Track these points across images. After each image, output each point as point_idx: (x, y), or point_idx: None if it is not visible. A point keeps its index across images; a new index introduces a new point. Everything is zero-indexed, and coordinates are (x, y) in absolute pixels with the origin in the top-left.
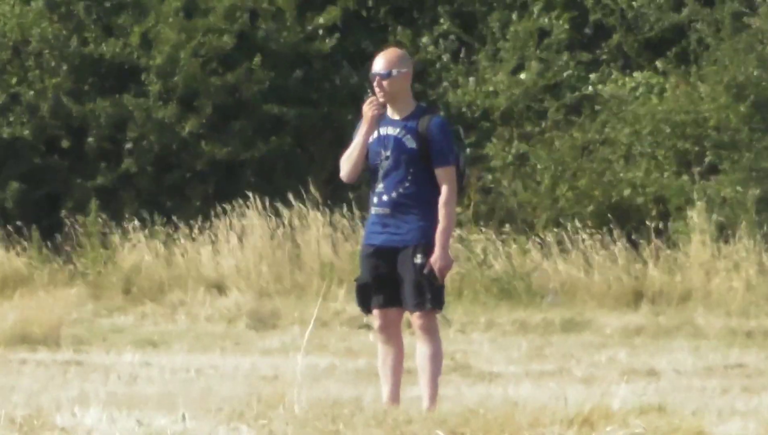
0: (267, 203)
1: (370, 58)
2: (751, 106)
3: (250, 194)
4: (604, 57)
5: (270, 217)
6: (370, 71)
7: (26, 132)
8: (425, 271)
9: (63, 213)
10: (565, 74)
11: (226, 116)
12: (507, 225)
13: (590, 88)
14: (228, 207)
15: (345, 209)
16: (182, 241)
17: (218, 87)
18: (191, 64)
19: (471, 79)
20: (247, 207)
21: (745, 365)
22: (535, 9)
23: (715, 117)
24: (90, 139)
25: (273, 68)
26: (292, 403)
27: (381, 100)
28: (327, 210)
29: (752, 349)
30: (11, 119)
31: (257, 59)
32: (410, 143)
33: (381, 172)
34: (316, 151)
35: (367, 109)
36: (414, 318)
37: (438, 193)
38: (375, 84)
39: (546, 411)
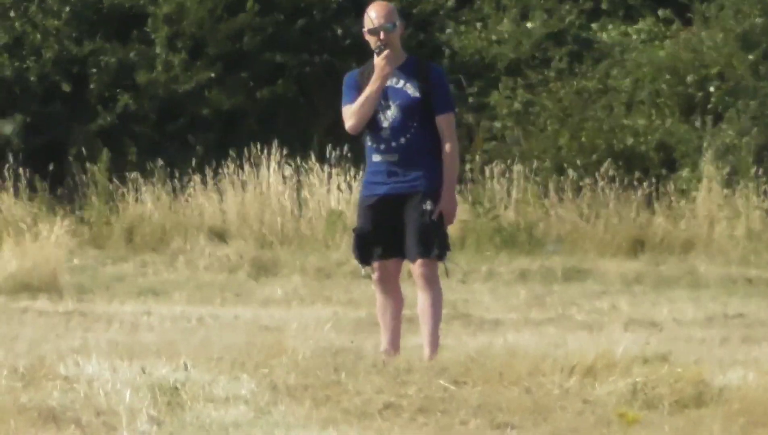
0: (270, 151)
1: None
2: (760, 54)
3: (253, 142)
4: (608, 5)
5: (273, 165)
6: (369, 25)
7: (32, 77)
8: (433, 216)
9: (71, 155)
10: (567, 21)
11: (228, 66)
12: (510, 173)
13: (593, 35)
14: (231, 155)
15: (348, 157)
16: (184, 189)
17: (224, 36)
18: (198, 11)
19: (475, 27)
20: (250, 155)
21: (746, 315)
22: None
23: (720, 64)
24: (92, 87)
25: (273, 16)
26: (293, 352)
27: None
28: (330, 158)
29: (753, 299)
30: (21, 53)
31: (254, 5)
32: (413, 92)
33: (385, 122)
34: (319, 100)
35: (384, 64)
36: (416, 266)
37: (440, 140)
38: (381, 38)
39: (547, 359)
